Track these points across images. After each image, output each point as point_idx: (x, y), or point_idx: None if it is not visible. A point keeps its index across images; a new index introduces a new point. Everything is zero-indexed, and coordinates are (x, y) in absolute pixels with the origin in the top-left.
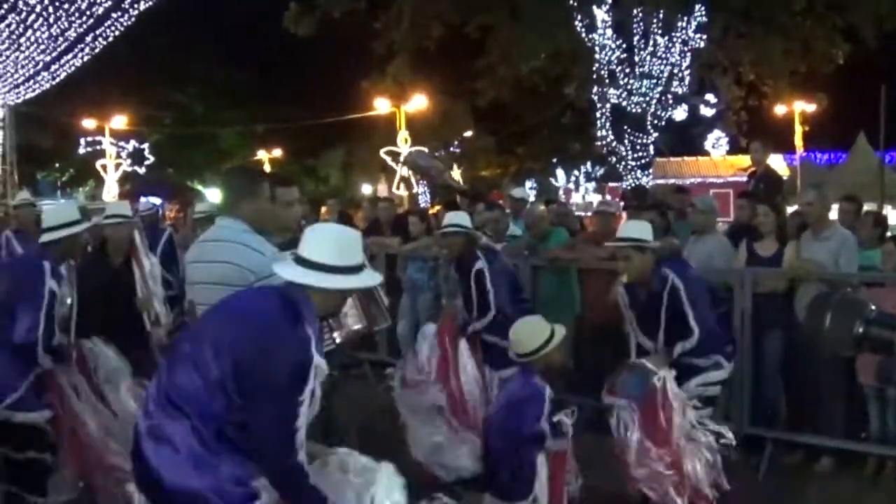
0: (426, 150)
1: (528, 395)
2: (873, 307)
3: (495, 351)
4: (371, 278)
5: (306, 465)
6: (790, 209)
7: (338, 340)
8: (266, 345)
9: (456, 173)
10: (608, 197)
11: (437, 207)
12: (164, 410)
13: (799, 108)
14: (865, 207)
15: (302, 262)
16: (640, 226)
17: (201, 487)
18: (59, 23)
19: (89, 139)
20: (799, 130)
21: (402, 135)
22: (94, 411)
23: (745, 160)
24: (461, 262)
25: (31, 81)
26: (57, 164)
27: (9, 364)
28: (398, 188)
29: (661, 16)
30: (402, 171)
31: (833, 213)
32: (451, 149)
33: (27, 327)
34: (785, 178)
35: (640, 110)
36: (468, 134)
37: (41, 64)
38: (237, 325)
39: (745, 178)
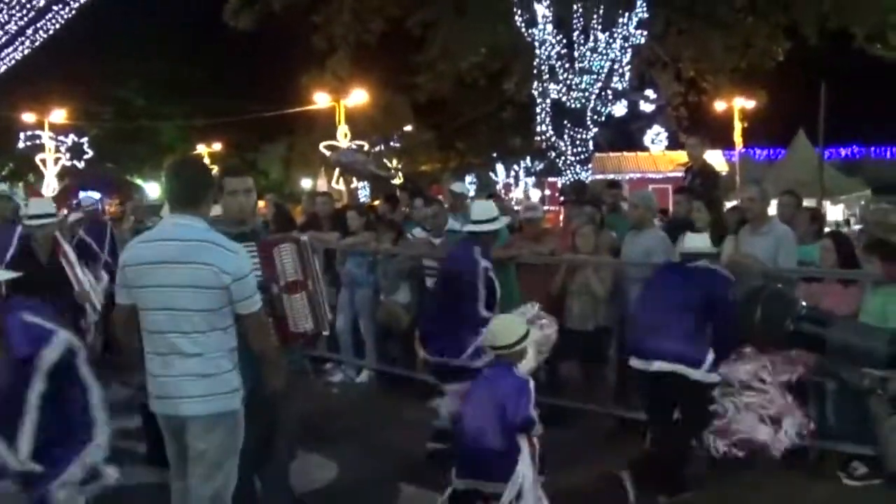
0: (353, 146)
1: (518, 387)
2: (804, 303)
3: None
4: None
5: None
6: (728, 204)
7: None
8: None
9: (388, 162)
10: (548, 192)
11: (378, 202)
12: None
13: (739, 105)
14: (805, 203)
15: None
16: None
17: None
18: None
19: (29, 133)
20: (738, 127)
21: (342, 129)
22: None
23: (684, 156)
24: None
25: None
26: None
27: None
28: (338, 182)
29: (601, 12)
30: None
31: (772, 209)
32: (392, 143)
33: None
34: (724, 173)
35: (579, 106)
36: (408, 128)
37: None
38: None
39: (682, 174)
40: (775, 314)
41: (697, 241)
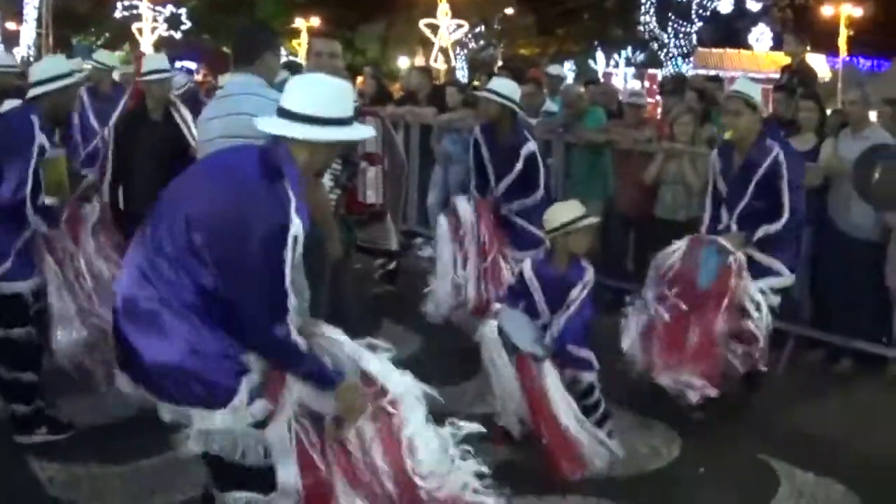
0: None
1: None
2: None
3: (523, 234)
4: (361, 132)
5: (294, 333)
6: (829, 110)
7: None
8: (241, 205)
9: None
10: (647, 84)
11: (478, 82)
12: (138, 282)
13: (846, 12)
14: None
15: (285, 114)
16: (754, 86)
17: (183, 363)
18: None
19: (126, 3)
20: (844, 34)
21: (443, 8)
22: (77, 277)
23: (787, 58)
24: (497, 135)
25: None
26: (92, 28)
27: None
28: (436, 61)
29: None
30: (440, 43)
31: (873, 117)
32: (493, 25)
33: (14, 186)
34: (826, 80)
35: None
36: (509, 11)
37: None
38: (211, 186)
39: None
40: (893, 174)
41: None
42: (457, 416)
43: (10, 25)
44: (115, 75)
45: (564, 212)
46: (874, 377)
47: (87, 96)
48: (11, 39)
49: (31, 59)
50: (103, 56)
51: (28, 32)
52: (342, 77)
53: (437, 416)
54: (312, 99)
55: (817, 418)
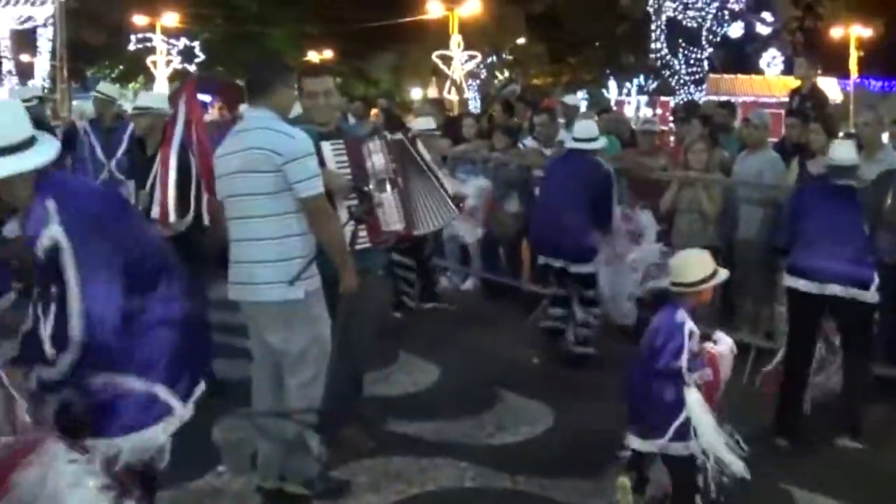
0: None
1: (668, 329)
2: None
3: None
4: (29, 159)
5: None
6: (841, 134)
7: (362, 244)
8: None
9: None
10: (659, 111)
11: (493, 112)
12: None
13: (855, 33)
14: None
15: None
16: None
17: None
18: None
19: (140, 36)
20: (854, 55)
21: (455, 39)
22: None
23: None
24: None
25: None
26: (107, 61)
27: None
28: (449, 92)
29: None
30: (454, 75)
31: (885, 139)
32: (504, 56)
33: None
34: (838, 102)
35: (695, 24)
36: (521, 41)
37: None
38: None
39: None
40: None
41: (845, 152)
42: (475, 448)
43: (25, 57)
44: (127, 107)
45: (698, 267)
46: (892, 400)
47: (91, 128)
48: (26, 72)
49: (46, 91)
50: (106, 88)
51: (42, 65)
52: (339, 111)
53: (456, 447)
54: None
55: (838, 445)
